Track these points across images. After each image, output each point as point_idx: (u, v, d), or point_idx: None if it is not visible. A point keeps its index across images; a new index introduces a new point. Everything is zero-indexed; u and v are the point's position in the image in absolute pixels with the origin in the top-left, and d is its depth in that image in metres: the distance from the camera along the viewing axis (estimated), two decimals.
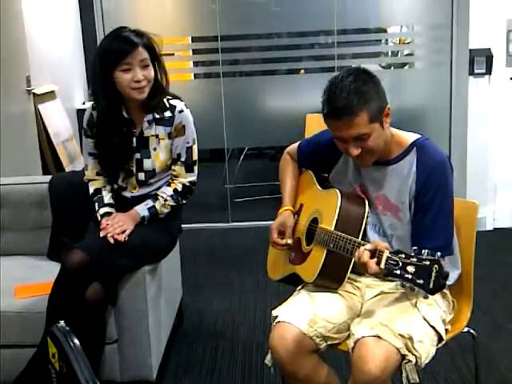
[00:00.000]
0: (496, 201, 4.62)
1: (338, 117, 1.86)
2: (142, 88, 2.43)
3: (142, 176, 2.57)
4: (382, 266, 1.70)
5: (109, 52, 2.41)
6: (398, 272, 1.66)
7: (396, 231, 2.01)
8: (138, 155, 2.56)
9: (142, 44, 2.42)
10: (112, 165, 2.58)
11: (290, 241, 2.15)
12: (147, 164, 2.56)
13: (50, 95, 4.32)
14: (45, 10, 4.44)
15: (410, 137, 2.02)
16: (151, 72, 2.46)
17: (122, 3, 4.78)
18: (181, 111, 2.55)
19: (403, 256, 1.67)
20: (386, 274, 1.72)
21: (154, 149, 2.55)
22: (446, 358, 2.77)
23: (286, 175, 2.32)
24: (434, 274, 1.61)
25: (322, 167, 2.22)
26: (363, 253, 1.77)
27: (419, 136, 2.02)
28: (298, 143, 2.32)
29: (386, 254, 1.71)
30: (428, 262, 1.63)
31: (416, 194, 1.94)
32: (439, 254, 1.65)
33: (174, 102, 2.56)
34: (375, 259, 1.73)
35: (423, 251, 1.66)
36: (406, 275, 1.64)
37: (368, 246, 1.78)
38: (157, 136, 2.55)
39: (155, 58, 2.49)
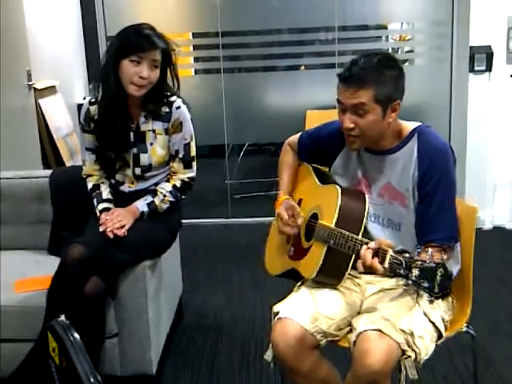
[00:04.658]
0: (495, 199, 4.62)
1: (347, 83, 1.90)
2: (141, 86, 2.43)
3: (138, 171, 2.57)
4: (386, 265, 1.70)
5: (127, 42, 2.40)
6: (402, 272, 1.66)
7: (404, 219, 2.00)
8: (134, 150, 2.55)
9: (160, 48, 2.42)
10: (110, 154, 2.56)
11: (300, 221, 2.13)
12: (144, 159, 2.55)
13: (51, 90, 4.31)
14: (46, 4, 4.43)
15: (410, 125, 2.03)
16: (156, 75, 2.45)
17: None
18: (178, 107, 2.54)
19: (407, 255, 1.67)
20: (390, 273, 1.72)
21: (151, 143, 2.55)
22: (444, 357, 2.78)
23: (284, 166, 2.32)
24: (439, 278, 1.61)
25: (322, 159, 2.22)
26: (365, 253, 1.76)
27: (420, 124, 2.03)
28: (299, 134, 2.32)
29: (390, 252, 1.70)
30: (433, 265, 1.62)
31: (419, 182, 1.94)
32: (445, 257, 1.66)
33: (171, 97, 2.56)
34: (378, 259, 1.73)
35: (428, 251, 1.66)
36: (411, 276, 1.64)
37: (371, 245, 1.77)
38: (153, 131, 2.54)
39: (169, 64, 2.50)
